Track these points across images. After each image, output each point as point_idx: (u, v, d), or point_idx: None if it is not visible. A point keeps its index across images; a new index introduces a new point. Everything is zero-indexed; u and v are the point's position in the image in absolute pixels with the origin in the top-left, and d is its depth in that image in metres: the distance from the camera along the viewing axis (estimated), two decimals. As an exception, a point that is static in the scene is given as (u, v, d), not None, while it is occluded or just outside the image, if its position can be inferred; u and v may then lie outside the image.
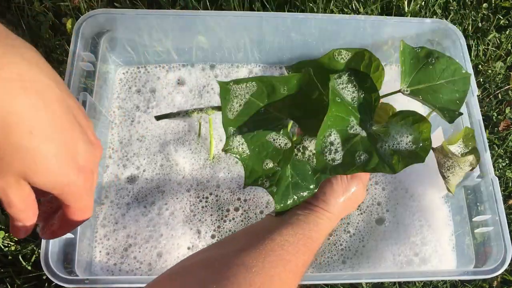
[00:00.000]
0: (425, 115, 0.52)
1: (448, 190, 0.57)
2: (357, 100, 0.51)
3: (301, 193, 0.53)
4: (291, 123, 0.54)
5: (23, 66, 0.30)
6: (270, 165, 0.53)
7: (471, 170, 0.55)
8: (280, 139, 0.53)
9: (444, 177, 0.56)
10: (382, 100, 0.57)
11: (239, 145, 0.52)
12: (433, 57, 0.58)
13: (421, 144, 0.49)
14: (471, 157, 0.54)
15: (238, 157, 0.52)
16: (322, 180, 0.54)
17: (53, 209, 0.40)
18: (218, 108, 0.69)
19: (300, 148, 0.55)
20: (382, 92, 0.55)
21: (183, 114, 0.69)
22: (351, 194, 0.56)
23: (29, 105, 0.30)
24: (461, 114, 0.55)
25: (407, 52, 0.57)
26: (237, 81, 0.53)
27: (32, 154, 0.31)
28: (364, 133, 0.51)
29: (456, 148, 0.55)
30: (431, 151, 0.52)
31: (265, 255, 0.47)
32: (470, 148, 0.56)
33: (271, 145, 0.53)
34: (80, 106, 0.36)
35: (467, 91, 0.59)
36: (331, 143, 0.50)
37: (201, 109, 0.69)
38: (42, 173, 0.32)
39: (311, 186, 0.53)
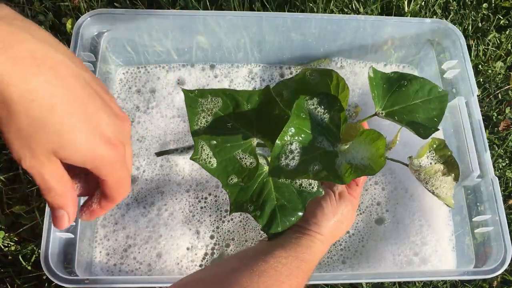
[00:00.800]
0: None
1: (447, 205, 0.58)
2: (327, 121, 0.53)
3: (289, 217, 0.55)
4: (255, 141, 0.55)
5: (34, 43, 0.30)
6: (235, 180, 0.53)
7: (455, 180, 0.56)
8: (246, 158, 0.54)
9: (433, 193, 0.57)
10: (366, 122, 0.60)
11: (207, 158, 0.53)
12: (406, 80, 0.60)
13: (375, 160, 0.51)
14: (439, 166, 0.54)
15: (206, 168, 0.53)
16: (309, 201, 0.55)
17: (90, 189, 0.39)
18: None
19: None
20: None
21: (181, 150, 0.70)
22: (341, 216, 0.57)
23: (44, 81, 0.30)
24: (437, 130, 0.57)
25: (379, 77, 0.59)
26: (202, 93, 0.54)
27: (56, 128, 0.31)
28: (328, 149, 0.52)
29: (426, 161, 0.56)
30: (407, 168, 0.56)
31: (259, 275, 0.47)
32: (446, 158, 0.56)
33: (237, 162, 0.53)
34: (99, 81, 0.36)
35: (445, 108, 0.60)
36: (291, 151, 0.51)
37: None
38: (70, 147, 0.32)
39: (299, 207, 0.55)
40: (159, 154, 0.69)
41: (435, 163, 0.55)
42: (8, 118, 0.29)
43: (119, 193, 0.37)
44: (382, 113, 0.58)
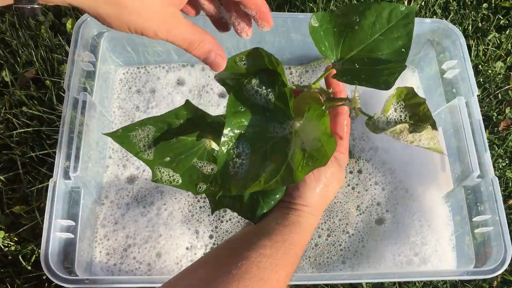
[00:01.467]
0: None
1: (437, 151, 0.48)
2: (273, 100, 0.47)
3: (272, 195, 0.51)
4: (209, 143, 0.53)
5: None
6: (204, 187, 0.51)
7: (434, 129, 0.46)
8: (205, 166, 0.52)
9: (417, 145, 0.47)
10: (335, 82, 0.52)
11: (169, 177, 0.51)
12: (357, 14, 0.50)
13: (325, 141, 0.43)
14: (402, 126, 0.45)
15: (173, 186, 0.52)
16: None
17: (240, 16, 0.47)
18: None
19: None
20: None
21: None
22: (326, 180, 0.51)
23: None
24: (404, 67, 0.47)
25: (326, 22, 0.50)
26: (128, 129, 0.51)
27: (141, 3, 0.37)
28: (280, 135, 0.47)
29: (395, 115, 0.47)
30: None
31: (239, 279, 0.43)
32: (418, 108, 0.46)
33: (198, 170, 0.52)
34: None
35: (412, 31, 0.49)
36: (238, 155, 0.46)
37: None
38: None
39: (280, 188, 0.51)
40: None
41: (400, 121, 0.46)
42: (113, 10, 0.36)
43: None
44: (339, 65, 0.49)
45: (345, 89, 0.55)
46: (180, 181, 0.51)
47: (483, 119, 0.75)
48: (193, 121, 0.52)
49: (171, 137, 0.52)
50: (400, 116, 0.47)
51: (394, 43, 0.49)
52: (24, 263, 0.77)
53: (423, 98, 0.46)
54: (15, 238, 0.80)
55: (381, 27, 0.49)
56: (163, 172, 0.51)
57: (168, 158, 0.51)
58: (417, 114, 0.46)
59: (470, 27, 1.01)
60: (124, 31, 0.39)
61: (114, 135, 0.51)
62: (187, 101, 0.52)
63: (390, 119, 0.47)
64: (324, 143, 0.43)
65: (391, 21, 0.49)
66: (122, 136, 0.51)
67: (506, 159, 0.90)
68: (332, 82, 0.54)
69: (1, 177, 0.83)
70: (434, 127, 0.46)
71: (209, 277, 0.45)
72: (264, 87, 0.48)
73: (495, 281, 0.81)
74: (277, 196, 0.52)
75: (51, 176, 0.67)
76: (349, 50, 0.49)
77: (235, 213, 0.78)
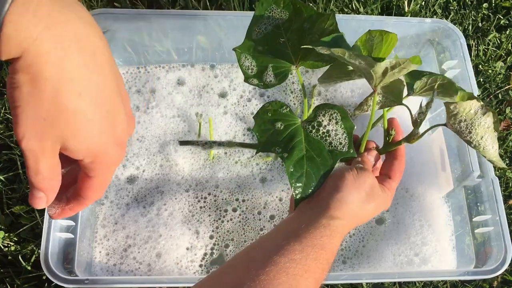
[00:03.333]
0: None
1: (495, 164, 0.52)
2: None
3: (317, 170, 0.53)
4: (294, 69, 0.61)
5: (79, 24, 0.29)
6: (271, 76, 0.61)
7: (496, 130, 0.50)
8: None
9: (478, 148, 0.51)
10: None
11: (250, 65, 0.61)
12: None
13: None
14: (474, 103, 0.49)
15: (245, 73, 0.61)
16: (329, 177, 0.53)
17: (65, 186, 0.37)
18: (239, 144, 0.76)
19: (315, 125, 0.55)
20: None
21: (203, 143, 0.75)
22: (366, 195, 0.51)
23: (83, 65, 0.29)
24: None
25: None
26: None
27: (76, 117, 0.29)
28: None
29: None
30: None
31: (267, 286, 0.41)
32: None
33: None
34: (121, 75, 0.35)
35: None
36: None
37: (222, 143, 0.76)
38: (82, 138, 0.30)
39: (328, 163, 0.53)
40: (182, 143, 0.69)
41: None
42: (30, 95, 0.28)
43: (96, 195, 0.36)
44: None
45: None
46: (255, 71, 0.61)
47: (483, 119, 0.75)
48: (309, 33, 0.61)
49: (281, 37, 0.61)
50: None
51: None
52: (24, 263, 0.77)
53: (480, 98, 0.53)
54: (15, 238, 0.80)
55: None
56: (247, 60, 0.62)
57: (261, 48, 0.62)
58: (485, 107, 0.51)
59: (470, 27, 1.01)
60: None
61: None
62: (333, 14, 0.61)
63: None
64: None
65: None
66: (270, 2, 0.61)
67: (506, 159, 0.90)
68: (394, 122, 0.59)
69: (1, 177, 0.83)
70: (497, 126, 0.51)
71: (236, 282, 0.43)
72: None
73: (495, 281, 0.81)
74: (321, 172, 0.53)
75: (51, 176, 0.67)
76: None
77: (236, 213, 0.78)
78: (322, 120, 0.55)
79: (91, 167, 0.33)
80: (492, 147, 0.51)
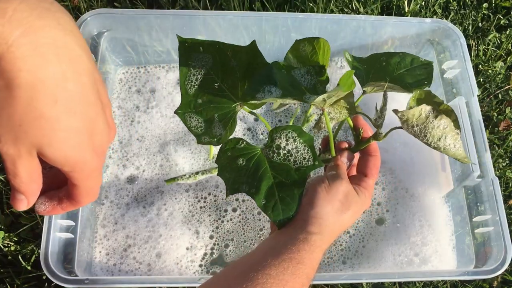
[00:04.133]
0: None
1: (460, 161, 0.52)
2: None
3: (288, 192, 0.52)
4: (239, 108, 0.58)
5: (58, 31, 0.29)
6: (219, 130, 0.57)
7: (456, 127, 0.50)
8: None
9: (439, 149, 0.50)
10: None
11: (197, 124, 0.57)
12: (384, 56, 0.62)
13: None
14: (424, 107, 0.48)
15: (194, 133, 0.57)
16: (309, 183, 0.53)
17: (56, 185, 0.37)
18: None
19: (274, 149, 0.55)
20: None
21: (188, 176, 0.75)
22: (341, 205, 0.52)
23: (59, 73, 0.29)
24: (429, 85, 0.58)
25: (356, 62, 0.61)
26: (196, 44, 0.58)
27: (52, 124, 0.29)
28: None
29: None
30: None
31: None
32: (438, 107, 0.51)
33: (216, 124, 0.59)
34: (103, 83, 0.34)
35: (431, 73, 0.60)
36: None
37: (205, 171, 0.75)
38: (58, 146, 0.30)
39: (299, 182, 0.52)
40: (168, 181, 0.75)
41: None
42: (4, 100, 0.28)
43: (86, 199, 0.36)
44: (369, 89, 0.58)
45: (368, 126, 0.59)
46: (203, 130, 0.57)
47: (483, 119, 0.75)
48: (246, 69, 0.57)
49: (215, 82, 0.58)
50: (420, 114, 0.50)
51: (418, 77, 0.60)
52: (24, 263, 0.77)
53: (441, 99, 0.52)
54: (15, 238, 0.80)
55: (405, 66, 0.61)
56: (193, 120, 0.58)
57: (200, 101, 0.57)
58: (437, 110, 0.50)
59: (470, 27, 1.01)
60: None
61: (183, 41, 0.58)
62: (253, 42, 0.57)
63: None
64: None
65: (414, 64, 0.62)
66: (187, 49, 0.58)
67: (506, 159, 0.90)
68: (359, 121, 0.58)
69: (1, 177, 0.83)
70: (457, 124, 0.50)
71: None
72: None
73: (495, 281, 0.81)
74: (294, 191, 0.52)
75: (51, 176, 0.67)
76: (377, 80, 0.59)
77: (236, 213, 0.78)
78: (280, 143, 0.55)
79: (72, 175, 0.33)
80: (454, 146, 0.50)
